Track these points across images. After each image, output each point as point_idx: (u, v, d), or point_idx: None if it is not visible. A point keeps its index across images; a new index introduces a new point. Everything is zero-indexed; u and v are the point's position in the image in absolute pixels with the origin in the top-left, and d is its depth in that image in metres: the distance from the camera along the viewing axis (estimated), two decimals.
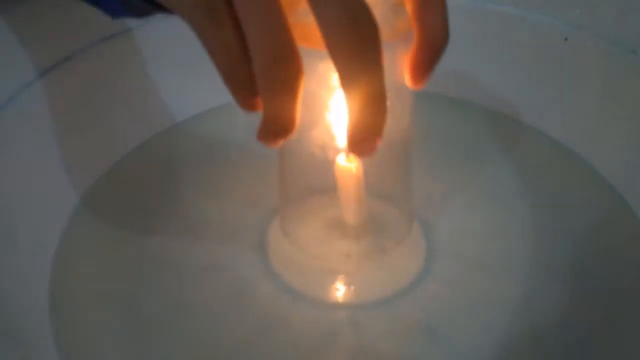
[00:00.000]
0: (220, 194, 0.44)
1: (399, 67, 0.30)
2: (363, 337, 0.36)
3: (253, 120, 0.29)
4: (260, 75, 0.26)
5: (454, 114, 0.31)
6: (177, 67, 0.48)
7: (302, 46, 0.26)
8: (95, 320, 0.37)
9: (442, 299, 0.37)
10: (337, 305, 0.37)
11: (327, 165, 0.35)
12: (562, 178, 0.46)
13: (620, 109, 0.46)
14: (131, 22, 0.46)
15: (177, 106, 0.50)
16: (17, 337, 0.33)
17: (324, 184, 0.36)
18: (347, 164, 0.35)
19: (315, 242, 0.39)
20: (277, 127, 0.28)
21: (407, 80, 0.30)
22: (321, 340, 0.35)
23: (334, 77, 0.29)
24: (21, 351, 0.33)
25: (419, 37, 0.29)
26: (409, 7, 0.29)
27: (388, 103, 0.27)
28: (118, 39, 0.45)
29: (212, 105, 0.51)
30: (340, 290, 0.38)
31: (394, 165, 0.29)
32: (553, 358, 0.35)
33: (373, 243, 0.38)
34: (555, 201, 0.44)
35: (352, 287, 0.38)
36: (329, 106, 0.32)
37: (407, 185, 0.39)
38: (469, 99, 0.51)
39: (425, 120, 0.35)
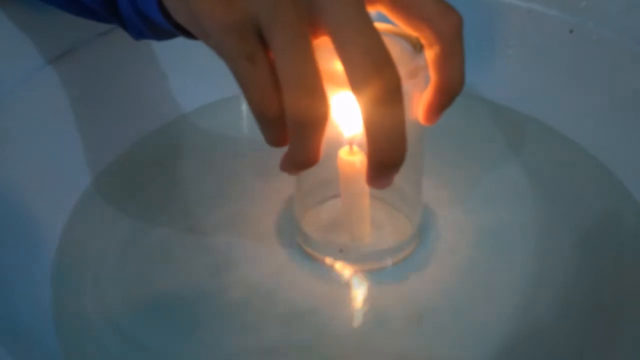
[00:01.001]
0: (224, 184, 0.44)
1: (411, 102, 0.32)
2: (363, 330, 0.36)
3: None
4: (290, 114, 0.28)
5: (457, 108, 0.32)
6: (185, 59, 0.48)
7: (328, 86, 0.28)
8: (95, 311, 0.37)
9: (444, 294, 0.37)
10: (335, 302, 0.38)
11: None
12: (567, 171, 0.46)
13: (626, 102, 0.46)
14: None
15: (184, 98, 0.50)
16: (17, 324, 0.34)
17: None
18: (350, 158, 0.35)
19: (316, 235, 0.39)
20: (301, 162, 0.30)
21: (420, 118, 0.32)
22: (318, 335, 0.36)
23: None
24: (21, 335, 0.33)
25: (437, 83, 0.31)
26: (429, 55, 0.31)
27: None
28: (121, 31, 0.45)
29: (219, 97, 0.51)
30: (343, 286, 0.38)
31: (404, 174, 0.30)
32: (555, 355, 0.35)
33: (374, 247, 0.39)
34: (560, 196, 0.44)
35: (358, 280, 0.38)
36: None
37: (416, 192, 0.39)
38: (473, 92, 0.51)
39: None
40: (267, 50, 0.28)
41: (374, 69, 0.27)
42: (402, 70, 0.27)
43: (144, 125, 0.48)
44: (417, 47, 0.31)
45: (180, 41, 0.46)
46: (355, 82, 0.27)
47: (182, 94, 0.50)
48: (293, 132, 0.29)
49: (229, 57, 0.28)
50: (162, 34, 0.35)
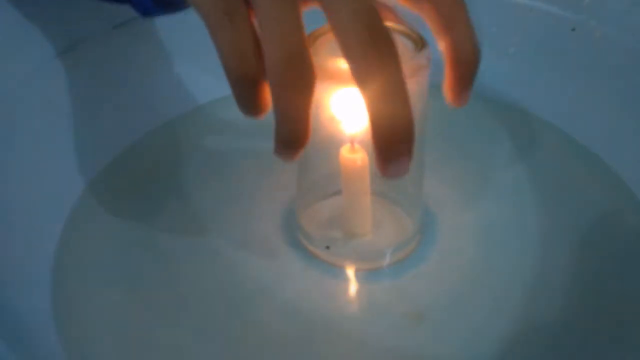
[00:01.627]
0: (227, 182, 0.44)
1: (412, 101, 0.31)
2: (363, 328, 0.36)
3: None
4: (273, 76, 0.26)
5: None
6: (192, 54, 0.48)
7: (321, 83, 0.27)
8: (96, 306, 0.37)
9: (445, 293, 0.37)
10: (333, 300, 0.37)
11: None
12: (569, 170, 0.46)
13: (629, 100, 0.46)
14: None
15: (186, 96, 0.50)
16: (17, 320, 0.34)
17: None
18: (352, 156, 0.35)
19: (316, 232, 0.39)
20: (288, 134, 0.28)
21: (448, 99, 0.31)
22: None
23: None
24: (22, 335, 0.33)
25: (449, 55, 0.29)
26: (433, 27, 0.29)
27: None
28: (134, 24, 0.46)
29: (222, 94, 0.51)
30: (341, 284, 0.38)
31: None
32: (555, 355, 0.35)
33: (373, 247, 0.39)
34: (562, 195, 0.44)
35: (358, 278, 0.38)
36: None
37: (417, 190, 0.39)
38: (474, 91, 0.51)
39: (431, 111, 0.35)
40: (249, 11, 0.26)
41: (365, 31, 0.25)
42: (403, 68, 0.27)
43: (144, 124, 0.48)
44: (419, 45, 0.31)
45: (184, 37, 0.47)
46: (348, 46, 0.26)
47: (184, 92, 0.50)
48: (277, 97, 0.27)
49: (206, 13, 0.26)
50: (167, 6, 0.34)
